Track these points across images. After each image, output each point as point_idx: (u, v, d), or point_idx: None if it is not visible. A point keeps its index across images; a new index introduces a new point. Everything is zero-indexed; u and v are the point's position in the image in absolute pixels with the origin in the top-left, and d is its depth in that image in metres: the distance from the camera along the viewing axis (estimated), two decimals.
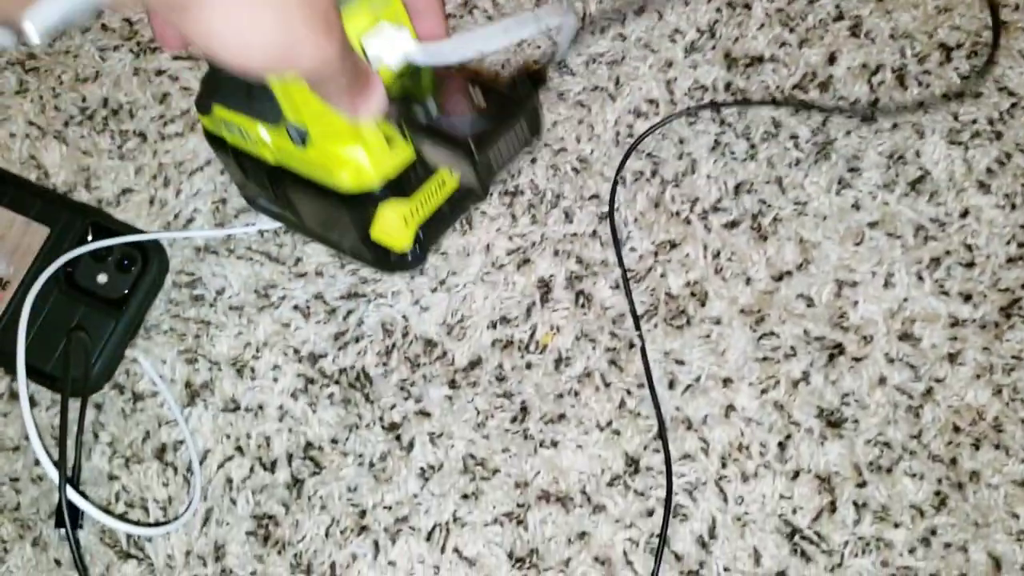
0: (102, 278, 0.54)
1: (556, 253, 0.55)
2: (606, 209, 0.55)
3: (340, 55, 0.33)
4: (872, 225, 0.54)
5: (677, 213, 0.55)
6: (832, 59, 0.57)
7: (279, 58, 0.31)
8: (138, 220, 0.57)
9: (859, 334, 0.53)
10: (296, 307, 0.55)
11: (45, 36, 0.28)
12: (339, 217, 0.48)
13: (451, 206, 0.52)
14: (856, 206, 0.55)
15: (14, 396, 0.55)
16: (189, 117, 0.58)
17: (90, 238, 0.55)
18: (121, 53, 0.59)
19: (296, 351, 0.54)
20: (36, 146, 0.58)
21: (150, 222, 0.57)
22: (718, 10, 0.58)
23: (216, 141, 0.49)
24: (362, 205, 0.46)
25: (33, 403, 0.54)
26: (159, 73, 0.58)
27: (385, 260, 0.52)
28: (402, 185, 0.45)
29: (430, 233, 0.52)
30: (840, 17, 0.58)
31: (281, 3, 0.30)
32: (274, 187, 0.49)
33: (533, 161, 0.57)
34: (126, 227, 0.56)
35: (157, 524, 0.52)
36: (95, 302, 0.54)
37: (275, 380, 0.54)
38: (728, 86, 0.57)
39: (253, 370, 0.54)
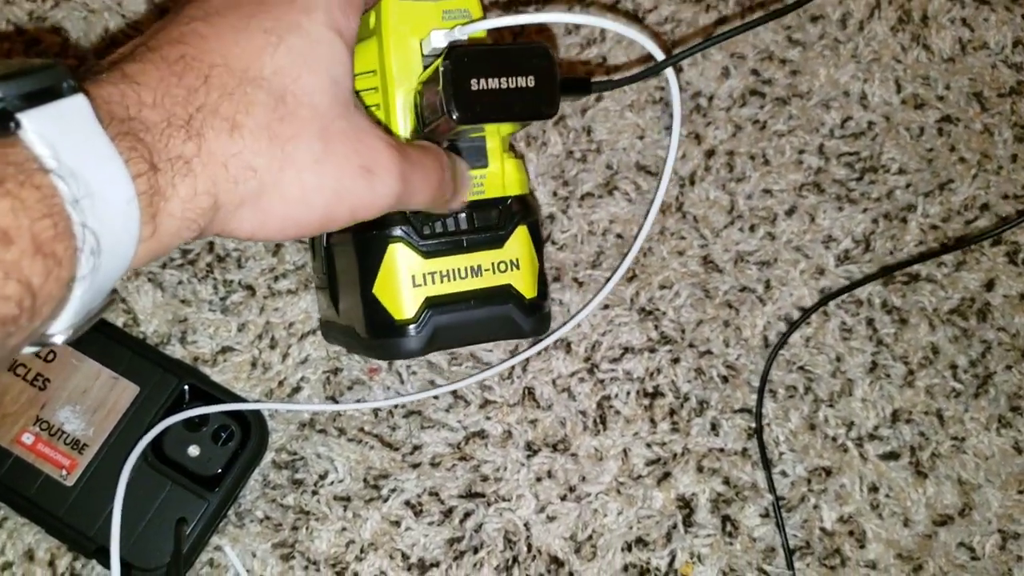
0: (193, 451, 0.48)
1: (700, 469, 0.50)
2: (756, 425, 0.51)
3: (399, 190, 0.34)
4: None
5: (833, 438, 0.51)
6: (990, 286, 0.55)
7: (324, 224, 0.33)
8: (236, 383, 0.51)
9: None
10: (408, 503, 0.49)
11: (72, 336, 0.27)
12: (350, 258, 0.43)
13: (481, 312, 0.43)
14: (1018, 448, 0.52)
15: None
16: (303, 273, 0.52)
17: (186, 403, 0.48)
18: None
19: (405, 556, 0.48)
20: (128, 288, 0.52)
21: (250, 387, 0.51)
22: (874, 221, 0.55)
23: None
24: (372, 236, 0.42)
25: None
26: None
27: (380, 329, 0.42)
28: (422, 233, 0.42)
29: (443, 330, 0.42)
30: (998, 242, 0.56)
31: (318, 185, 0.32)
32: (325, 251, 0.46)
33: (675, 361, 0.52)
34: (225, 392, 0.50)
35: None
36: (183, 479, 0.47)
37: None
38: (884, 304, 0.54)
39: (356, 575, 0.48)
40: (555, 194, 0.54)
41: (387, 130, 0.36)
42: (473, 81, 0.35)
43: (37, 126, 0.24)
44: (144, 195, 0.27)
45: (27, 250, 0.23)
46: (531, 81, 0.36)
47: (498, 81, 0.35)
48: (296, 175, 0.31)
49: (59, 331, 0.26)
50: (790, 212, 0.55)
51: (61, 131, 0.25)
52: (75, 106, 0.26)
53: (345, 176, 0.33)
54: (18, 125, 0.24)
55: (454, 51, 0.35)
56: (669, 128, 0.49)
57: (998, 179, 0.56)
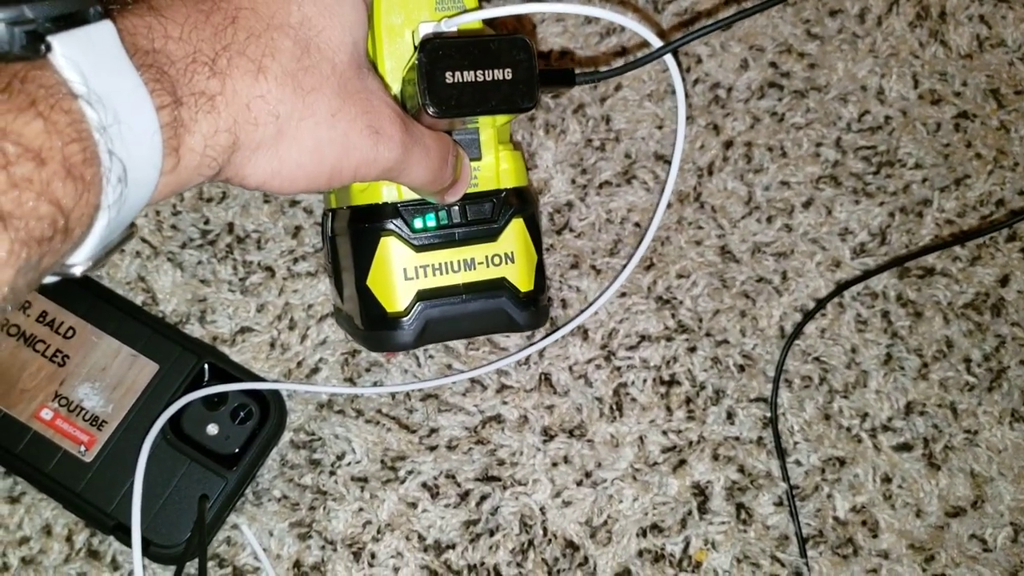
0: (212, 429, 0.48)
1: (716, 457, 0.51)
2: (771, 415, 0.51)
3: (398, 157, 0.34)
4: None
5: (847, 428, 0.51)
6: (1005, 281, 0.55)
7: (331, 178, 0.33)
8: (255, 363, 0.51)
9: None
10: (425, 485, 0.49)
11: (92, 268, 0.27)
12: (347, 249, 0.44)
13: (474, 306, 0.43)
14: None
15: (93, 554, 0.47)
16: (322, 256, 0.52)
17: (205, 382, 0.49)
18: None
19: (421, 537, 0.48)
20: (147, 267, 0.52)
21: (269, 368, 0.51)
22: (890, 214, 0.55)
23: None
24: (365, 229, 0.42)
25: (114, 564, 0.47)
26: (293, 204, 0.53)
27: (373, 321, 0.43)
28: (414, 227, 0.42)
29: (435, 323, 0.43)
30: (1012, 238, 0.56)
31: (321, 136, 0.32)
32: (330, 241, 0.46)
33: (692, 349, 0.52)
34: (244, 372, 0.50)
35: None
36: (202, 457, 0.47)
37: (395, 570, 0.48)
38: (899, 297, 0.54)
39: (373, 555, 0.48)
40: (573, 182, 0.54)
41: (396, 101, 0.36)
42: (448, 74, 0.35)
43: (66, 50, 0.24)
44: (168, 127, 0.27)
45: (59, 172, 0.23)
46: (508, 74, 0.36)
47: (474, 74, 0.35)
48: (314, 126, 0.32)
49: (80, 261, 0.26)
50: (807, 204, 0.55)
51: (89, 57, 0.24)
52: (102, 33, 0.25)
53: (354, 133, 0.33)
54: (48, 48, 0.24)
55: (428, 43, 0.35)
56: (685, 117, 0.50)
57: (1014, 175, 0.56)
